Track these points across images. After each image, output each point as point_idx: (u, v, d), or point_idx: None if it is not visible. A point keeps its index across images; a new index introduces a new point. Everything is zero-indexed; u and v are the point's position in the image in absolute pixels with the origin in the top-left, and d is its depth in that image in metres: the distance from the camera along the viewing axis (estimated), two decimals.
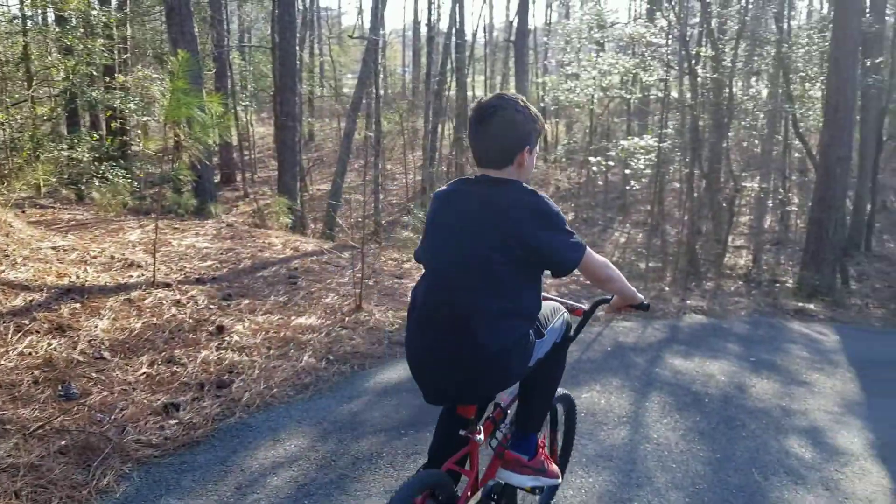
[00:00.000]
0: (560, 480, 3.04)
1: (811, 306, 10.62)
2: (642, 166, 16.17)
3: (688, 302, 9.22)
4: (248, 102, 25.39)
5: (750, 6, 19.34)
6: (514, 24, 19.50)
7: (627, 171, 17.49)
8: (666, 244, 18.07)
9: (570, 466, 3.98)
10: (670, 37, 18.77)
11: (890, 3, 23.02)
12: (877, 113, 21.22)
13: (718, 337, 7.81)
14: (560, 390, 3.31)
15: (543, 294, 2.70)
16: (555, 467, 2.98)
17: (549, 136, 34.17)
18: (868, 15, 17.51)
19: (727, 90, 17.63)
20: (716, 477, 4.44)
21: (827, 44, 15.73)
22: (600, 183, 25.53)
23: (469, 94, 31.30)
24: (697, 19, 19.60)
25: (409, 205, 21.23)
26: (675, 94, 21.14)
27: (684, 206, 17.42)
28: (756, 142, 23.14)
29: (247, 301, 6.70)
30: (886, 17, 22.56)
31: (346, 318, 6.59)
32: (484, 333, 2.42)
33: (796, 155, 24.84)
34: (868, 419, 5.81)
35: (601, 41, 22.73)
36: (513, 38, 17.87)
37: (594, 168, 21.49)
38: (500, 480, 2.94)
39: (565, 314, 2.93)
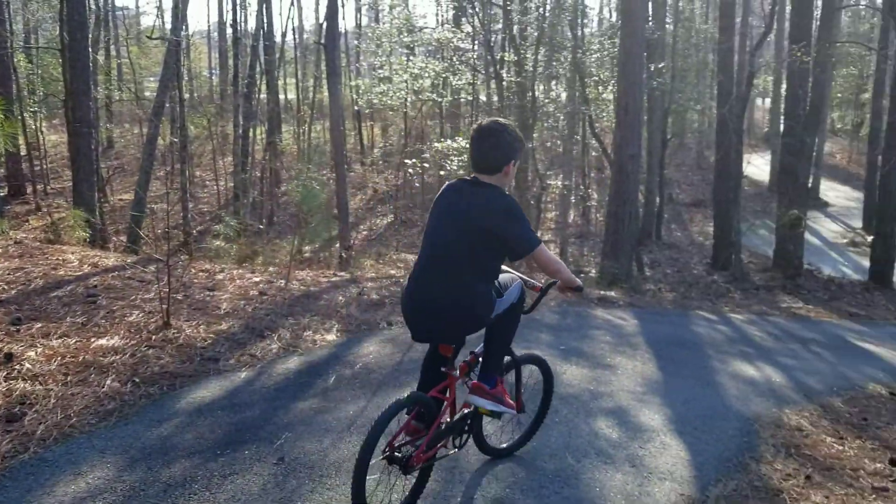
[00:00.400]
0: (514, 412, 4.06)
1: (612, 294, 11.36)
2: (456, 167, 16.57)
3: None
4: (37, 108, 23.36)
5: (547, 14, 20.39)
6: (324, 26, 19.41)
7: (442, 173, 17.85)
8: None
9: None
10: (476, 42, 19.37)
11: (669, 12, 25.10)
12: (661, 113, 23.14)
13: (531, 329, 8.13)
14: (538, 354, 4.56)
15: (511, 271, 4.01)
16: (511, 402, 3.98)
17: (365, 139, 34.24)
18: (650, 23, 19.00)
19: (530, 93, 18.46)
20: (533, 465, 4.59)
21: (616, 49, 16.88)
22: (417, 185, 25.91)
23: (281, 96, 30.65)
24: (500, 26, 20.37)
25: (221, 212, 20.42)
26: (482, 97, 21.84)
27: None
28: (558, 142, 24.46)
29: (39, 324, 6.12)
30: (666, 25, 24.59)
31: (153, 337, 6.19)
32: (463, 290, 3.52)
33: (593, 153, 26.55)
34: (665, 396, 6.27)
35: (411, 45, 23.05)
36: (323, 40, 17.71)
37: (410, 170, 21.75)
38: (469, 402, 3.94)
39: (520, 284, 3.97)
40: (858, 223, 28.19)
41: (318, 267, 13.06)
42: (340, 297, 8.35)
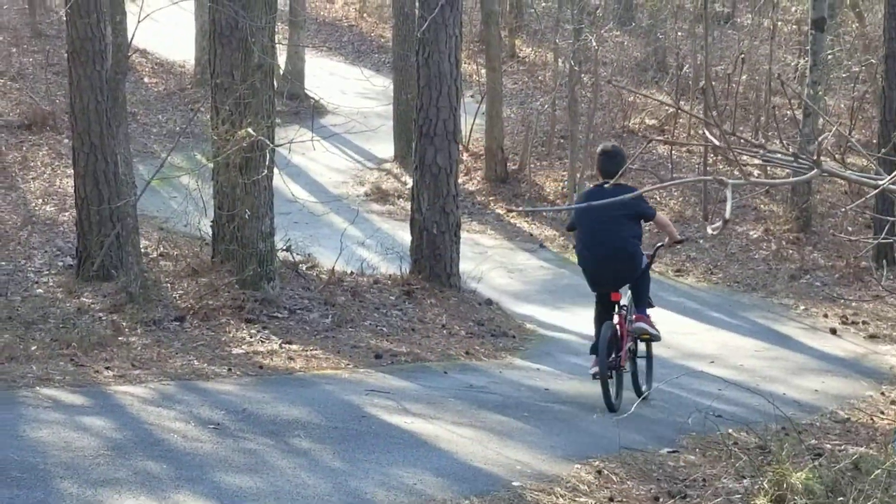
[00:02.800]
0: (660, 337, 15.90)
1: None
2: None
3: None
4: None
5: None
6: None
7: None
8: None
9: None
10: None
11: None
12: None
13: None
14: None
15: None
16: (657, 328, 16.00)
17: None
18: None
19: None
20: None
21: None
22: None
23: None
24: None
25: None
26: None
27: None
28: None
29: None
30: None
31: None
32: (628, 246, 15.29)
33: None
34: None
35: None
36: None
37: None
38: (635, 329, 15.44)
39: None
40: (387, 148, 31.62)
41: None
42: None
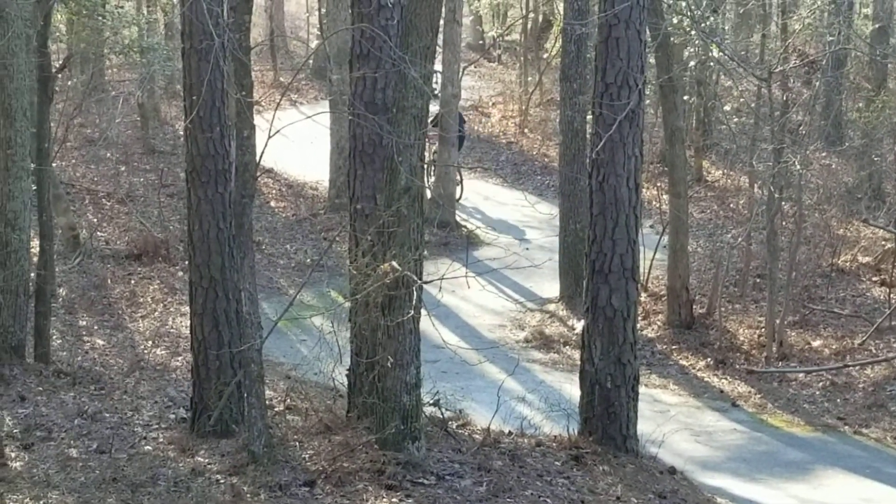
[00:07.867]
0: None
1: None
2: None
3: None
4: None
5: None
6: None
7: None
8: None
9: None
10: None
11: None
12: None
13: None
14: None
15: None
16: None
17: None
18: None
19: None
20: None
21: None
22: None
23: None
24: None
25: None
26: None
27: None
28: None
29: None
30: None
31: None
32: None
33: None
34: None
35: None
36: None
37: None
38: None
39: None
40: (551, 287, 31.51)
41: None
42: None
